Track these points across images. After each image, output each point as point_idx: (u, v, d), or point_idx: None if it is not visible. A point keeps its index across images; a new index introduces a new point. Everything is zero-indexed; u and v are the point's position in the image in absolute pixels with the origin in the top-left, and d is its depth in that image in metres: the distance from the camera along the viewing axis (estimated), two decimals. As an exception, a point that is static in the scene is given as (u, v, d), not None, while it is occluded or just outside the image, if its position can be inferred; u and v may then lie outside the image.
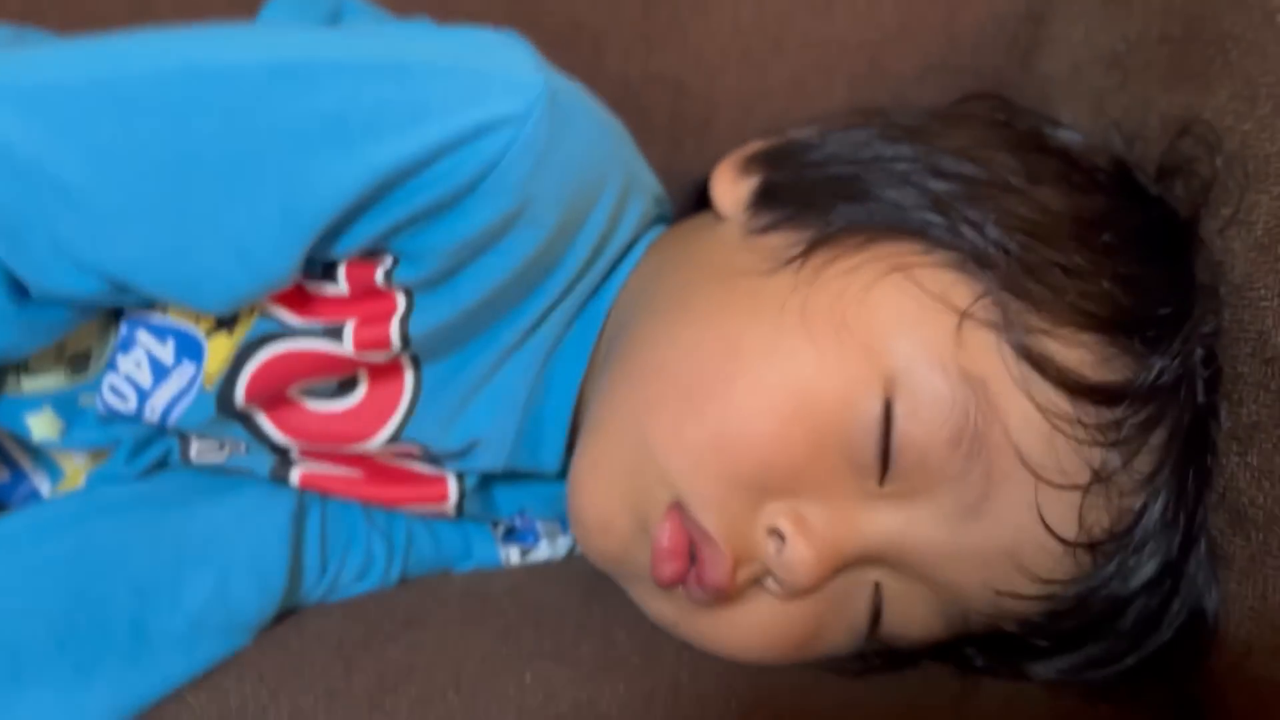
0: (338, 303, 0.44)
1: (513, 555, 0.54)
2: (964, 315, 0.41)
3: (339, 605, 0.49)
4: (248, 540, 0.47)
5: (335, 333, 0.43)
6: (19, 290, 0.41)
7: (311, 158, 0.39)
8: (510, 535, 0.54)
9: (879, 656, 0.45)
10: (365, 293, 0.43)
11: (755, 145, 0.50)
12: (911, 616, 0.43)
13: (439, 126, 0.39)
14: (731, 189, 0.48)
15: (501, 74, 0.40)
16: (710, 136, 0.65)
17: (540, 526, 0.54)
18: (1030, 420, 0.40)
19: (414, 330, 0.43)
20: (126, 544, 0.45)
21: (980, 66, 0.64)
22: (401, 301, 0.43)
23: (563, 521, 0.54)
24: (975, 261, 0.42)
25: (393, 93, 0.39)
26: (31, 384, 0.46)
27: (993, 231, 0.42)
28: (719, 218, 0.48)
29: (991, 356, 0.41)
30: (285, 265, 0.40)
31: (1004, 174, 0.44)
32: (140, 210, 0.39)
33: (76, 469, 0.50)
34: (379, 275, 0.43)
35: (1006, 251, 0.42)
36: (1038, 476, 0.40)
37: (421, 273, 0.42)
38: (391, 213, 0.40)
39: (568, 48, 0.64)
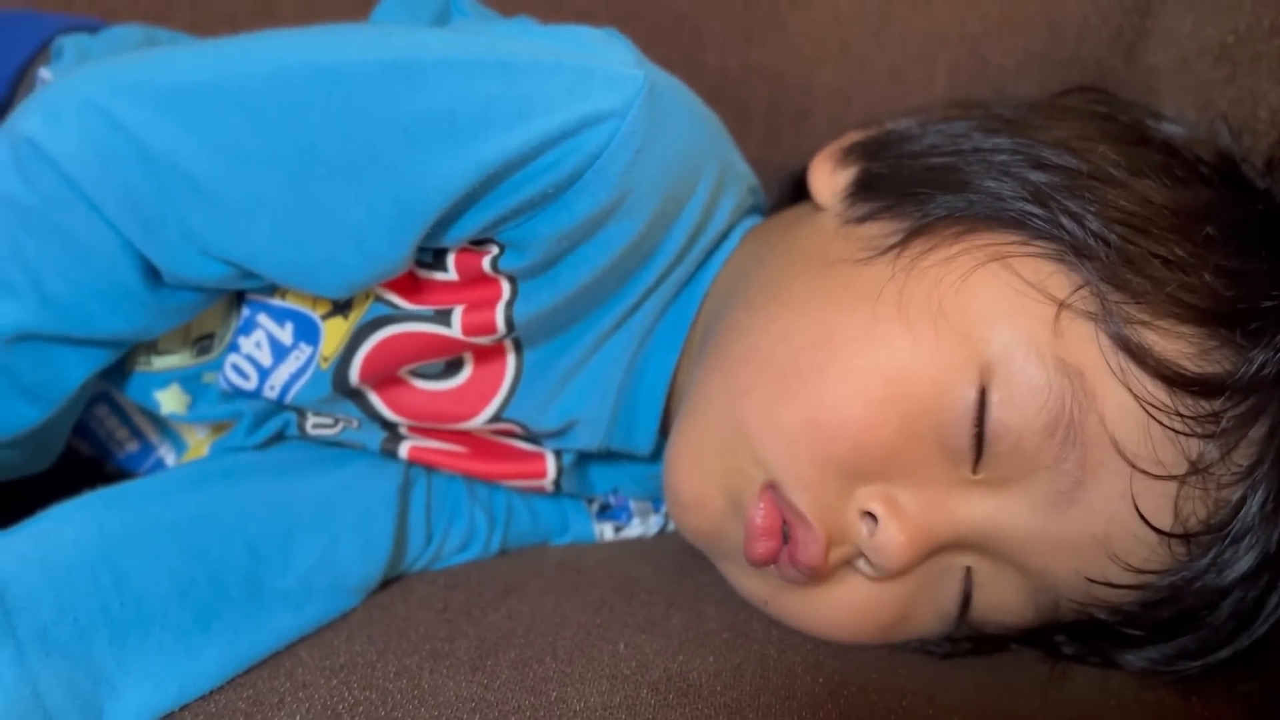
0: (447, 288, 0.46)
1: (606, 532, 0.56)
2: (1062, 305, 0.41)
3: (442, 573, 0.51)
4: (356, 508, 0.49)
5: (444, 317, 0.46)
6: (152, 274, 0.44)
7: (424, 152, 0.40)
8: (604, 512, 0.56)
9: (968, 640, 0.45)
10: (473, 279, 0.45)
11: (854, 136, 0.51)
12: (1002, 602, 0.44)
13: (544, 122, 0.40)
14: (829, 179, 0.49)
15: (603, 70, 0.41)
16: (808, 128, 0.66)
17: (633, 505, 0.56)
18: (1127, 410, 0.40)
19: (518, 315, 0.45)
20: (244, 507, 0.47)
21: (1083, 59, 0.63)
22: (506, 288, 0.45)
23: (655, 501, 0.56)
24: (1074, 253, 0.42)
25: (500, 89, 0.40)
26: (161, 362, 0.50)
27: (1093, 223, 0.42)
28: (816, 207, 0.49)
29: (1089, 347, 0.41)
30: (398, 254, 0.42)
31: (1105, 166, 0.44)
32: (264, 202, 0.41)
33: (200, 441, 0.53)
34: (486, 263, 0.44)
35: (1106, 243, 0.42)
36: (1134, 466, 0.40)
37: (526, 261, 0.44)
38: (498, 204, 0.42)
39: (668, 41, 0.66)
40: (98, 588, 0.42)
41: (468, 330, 0.45)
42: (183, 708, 0.42)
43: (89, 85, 0.41)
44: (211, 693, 0.42)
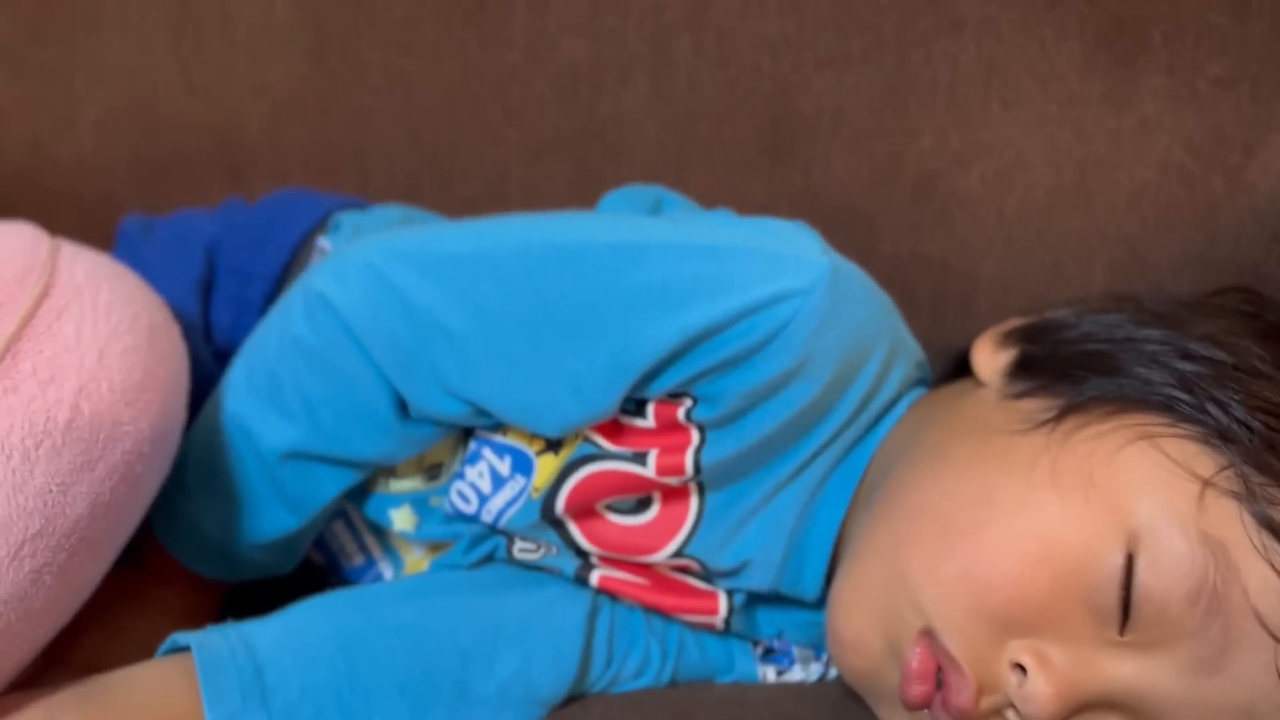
0: (645, 434, 0.52)
1: (769, 674, 0.59)
2: (1207, 484, 0.44)
3: (618, 696, 0.56)
4: (550, 628, 0.55)
5: (641, 458, 0.52)
6: (402, 409, 0.52)
7: (639, 318, 0.48)
8: (768, 655, 0.59)
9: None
10: (668, 427, 0.52)
11: (1015, 321, 0.56)
12: (1148, 764, 0.45)
13: (741, 296, 0.47)
14: (991, 358, 0.54)
15: (793, 255, 0.49)
16: (971, 313, 0.70)
17: (796, 651, 0.59)
18: (1270, 585, 0.43)
19: (705, 461, 0.51)
20: (458, 618, 0.53)
21: (1239, 260, 0.65)
22: (696, 436, 0.51)
23: (816, 648, 0.59)
24: (1219, 437, 0.45)
25: (706, 269, 0.48)
26: (398, 485, 0.57)
27: (1238, 411, 0.46)
28: (977, 383, 0.54)
29: (1233, 523, 0.44)
30: (609, 402, 0.49)
31: (1251, 360, 0.48)
32: (503, 352, 0.49)
33: (416, 560, 0.60)
34: (680, 413, 0.51)
35: (1250, 429, 0.45)
36: (1277, 639, 0.42)
37: (715, 413, 0.50)
38: (697, 363, 0.49)
39: (845, 231, 0.71)
40: (333, 676, 0.49)
41: (660, 471, 0.52)
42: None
43: (370, 252, 0.51)
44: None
